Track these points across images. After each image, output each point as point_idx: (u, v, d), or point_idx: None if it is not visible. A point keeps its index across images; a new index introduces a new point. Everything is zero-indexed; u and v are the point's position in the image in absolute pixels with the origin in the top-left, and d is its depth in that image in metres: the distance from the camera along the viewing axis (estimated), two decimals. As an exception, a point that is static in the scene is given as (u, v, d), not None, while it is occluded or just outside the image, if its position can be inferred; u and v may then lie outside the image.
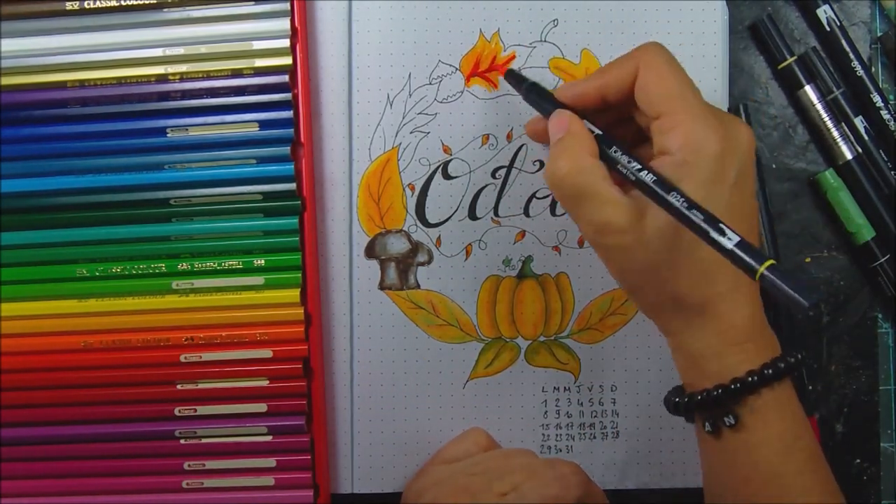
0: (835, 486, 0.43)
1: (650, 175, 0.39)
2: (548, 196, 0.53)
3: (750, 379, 0.41)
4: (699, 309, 0.41)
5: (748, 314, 0.42)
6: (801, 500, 0.41)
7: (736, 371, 0.41)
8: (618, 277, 0.43)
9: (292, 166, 0.51)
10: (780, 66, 0.54)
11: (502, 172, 0.53)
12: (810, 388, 0.55)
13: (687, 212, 0.38)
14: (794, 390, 0.42)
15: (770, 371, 0.41)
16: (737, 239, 0.36)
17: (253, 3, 0.51)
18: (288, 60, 0.50)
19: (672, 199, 0.38)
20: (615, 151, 0.42)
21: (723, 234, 0.36)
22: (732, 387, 0.41)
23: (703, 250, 0.39)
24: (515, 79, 0.50)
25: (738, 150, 0.41)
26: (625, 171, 0.41)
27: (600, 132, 0.43)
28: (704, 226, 0.37)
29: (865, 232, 0.54)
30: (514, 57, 0.52)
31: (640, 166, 0.40)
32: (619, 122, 0.46)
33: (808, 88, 0.54)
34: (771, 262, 0.35)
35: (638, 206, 0.40)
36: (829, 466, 0.43)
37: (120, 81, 0.51)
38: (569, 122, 0.43)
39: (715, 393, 0.41)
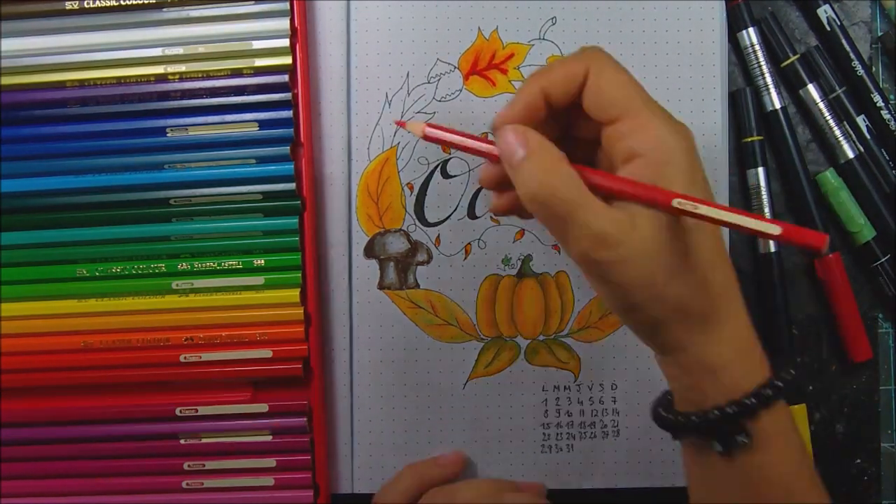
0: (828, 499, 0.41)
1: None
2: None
3: (766, 392, 0.38)
4: (703, 315, 0.39)
5: (748, 320, 0.39)
6: None
7: (743, 384, 0.38)
8: (612, 295, 0.39)
9: (292, 166, 0.51)
10: (782, 65, 0.54)
11: (501, 171, 0.53)
12: (811, 388, 0.55)
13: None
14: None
15: (781, 384, 0.38)
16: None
17: (252, 2, 0.51)
18: (288, 60, 0.51)
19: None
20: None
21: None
22: (748, 402, 0.38)
23: (699, 250, 0.38)
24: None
25: (692, 149, 0.39)
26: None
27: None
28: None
29: (866, 232, 0.54)
30: (512, 55, 0.52)
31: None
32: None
33: (810, 87, 0.54)
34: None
35: (627, 215, 0.37)
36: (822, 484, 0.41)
37: (119, 81, 0.51)
38: (526, 135, 0.39)
39: (730, 410, 0.38)
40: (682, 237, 0.38)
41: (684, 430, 0.40)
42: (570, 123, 0.42)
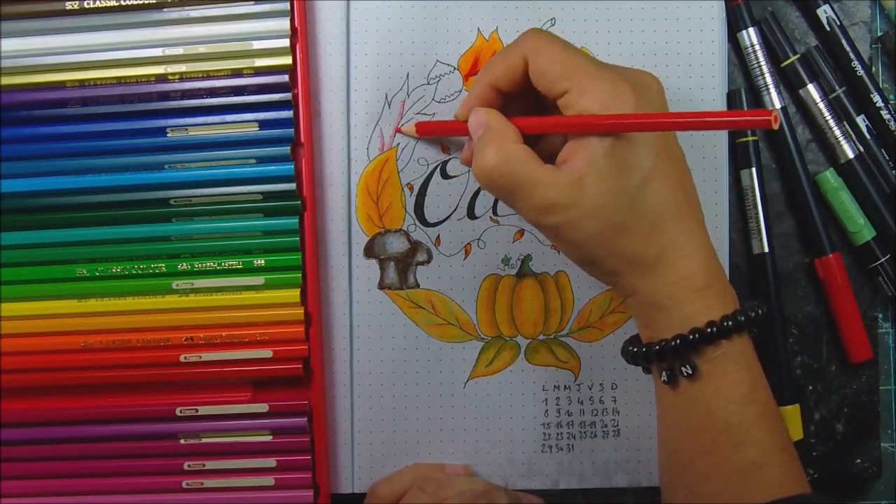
0: (790, 443, 0.43)
1: None
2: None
3: (709, 330, 0.41)
4: (654, 261, 0.42)
5: (703, 262, 0.42)
6: (755, 450, 0.41)
7: (695, 321, 0.41)
8: (570, 253, 0.43)
9: (292, 166, 0.51)
10: (782, 65, 0.54)
11: (501, 172, 0.53)
12: (811, 388, 0.55)
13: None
14: (751, 344, 0.43)
15: (729, 323, 0.41)
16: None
17: (252, 2, 0.51)
18: (288, 60, 0.50)
19: None
20: None
21: None
22: (691, 337, 0.41)
23: (648, 203, 0.41)
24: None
25: (650, 96, 0.42)
26: None
27: None
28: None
29: (866, 232, 0.54)
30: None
31: None
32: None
33: (810, 87, 0.54)
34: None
35: (575, 178, 0.41)
36: (785, 426, 0.43)
37: (120, 81, 0.51)
38: (486, 117, 0.44)
39: (673, 343, 0.42)
40: (630, 191, 0.41)
41: (634, 360, 0.44)
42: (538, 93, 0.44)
